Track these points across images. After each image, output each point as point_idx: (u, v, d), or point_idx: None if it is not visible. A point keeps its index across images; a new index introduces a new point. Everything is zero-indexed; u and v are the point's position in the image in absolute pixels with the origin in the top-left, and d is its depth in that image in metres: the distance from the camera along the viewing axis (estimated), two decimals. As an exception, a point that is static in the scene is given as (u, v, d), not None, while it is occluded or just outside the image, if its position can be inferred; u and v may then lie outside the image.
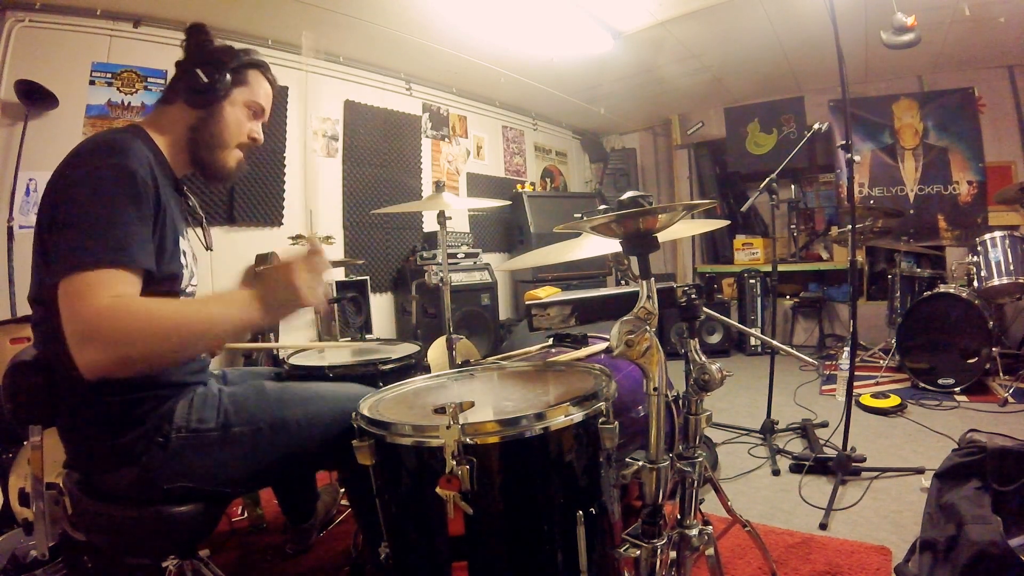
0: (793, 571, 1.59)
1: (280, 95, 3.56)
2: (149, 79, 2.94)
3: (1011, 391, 3.01)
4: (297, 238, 2.28)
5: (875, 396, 3.02)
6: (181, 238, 1.13)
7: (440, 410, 1.05)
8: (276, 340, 3.20)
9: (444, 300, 2.17)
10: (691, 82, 4.85)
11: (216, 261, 3.23)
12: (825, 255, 5.25)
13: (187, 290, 1.17)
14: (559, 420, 0.96)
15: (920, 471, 2.13)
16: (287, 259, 0.97)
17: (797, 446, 2.54)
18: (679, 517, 1.08)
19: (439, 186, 2.14)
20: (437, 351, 2.30)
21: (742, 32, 3.84)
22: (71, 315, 0.86)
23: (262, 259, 3.35)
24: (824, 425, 2.75)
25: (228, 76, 1.14)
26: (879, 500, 1.98)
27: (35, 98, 2.56)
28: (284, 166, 3.59)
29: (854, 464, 2.14)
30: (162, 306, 0.92)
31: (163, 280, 1.05)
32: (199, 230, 1.33)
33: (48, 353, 1.04)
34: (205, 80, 1.12)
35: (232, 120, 1.17)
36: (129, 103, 2.89)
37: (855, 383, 2.21)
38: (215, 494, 1.11)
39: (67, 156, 1.00)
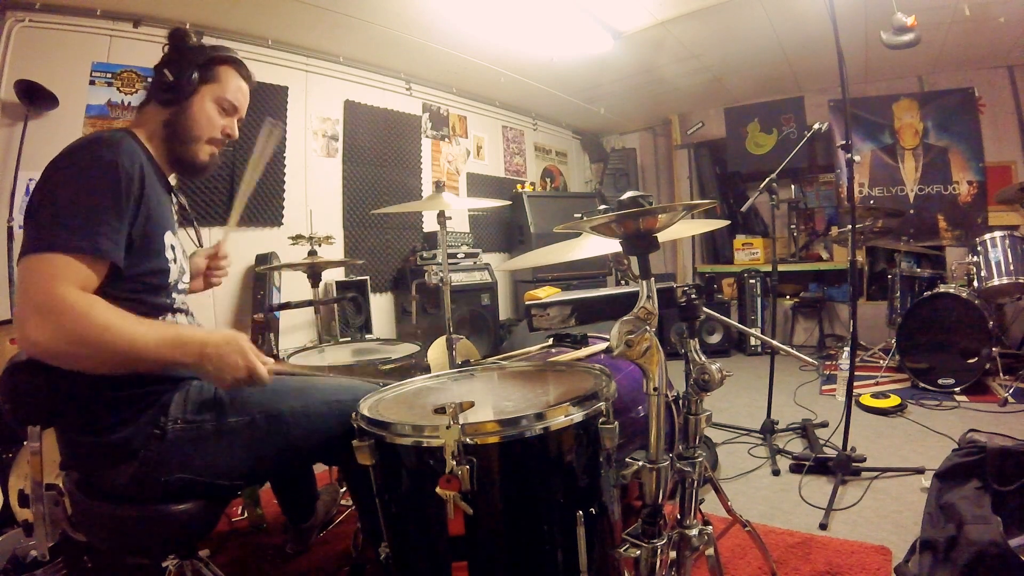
0: (793, 571, 1.59)
1: (280, 95, 3.57)
2: (149, 79, 2.93)
3: (1011, 391, 3.01)
4: (297, 239, 2.28)
5: (875, 396, 3.02)
6: (170, 234, 1.15)
7: (440, 410, 1.05)
8: (276, 340, 3.20)
9: (444, 300, 2.17)
10: (691, 82, 4.85)
11: (187, 276, 3.22)
12: (825, 255, 5.25)
13: (178, 287, 1.19)
14: (559, 420, 0.96)
15: (920, 471, 2.13)
16: (249, 353, 1.01)
17: (797, 446, 2.54)
18: (679, 517, 1.08)
19: (439, 186, 2.14)
20: (437, 351, 2.30)
21: (742, 32, 3.84)
22: (32, 290, 0.90)
23: (262, 259, 3.36)
24: (824, 425, 2.75)
25: (195, 74, 1.17)
26: (879, 500, 1.98)
27: (35, 98, 2.55)
28: (284, 166, 3.59)
29: (854, 464, 2.14)
30: (122, 322, 0.93)
31: (150, 274, 1.08)
32: (190, 229, 1.36)
33: None
34: (171, 78, 1.16)
35: (201, 115, 1.19)
36: (129, 103, 2.89)
37: (855, 383, 2.21)
38: (213, 488, 1.11)
39: (62, 151, 1.03)
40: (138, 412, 1.06)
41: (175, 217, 1.24)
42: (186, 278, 1.23)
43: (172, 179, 1.26)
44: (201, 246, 1.37)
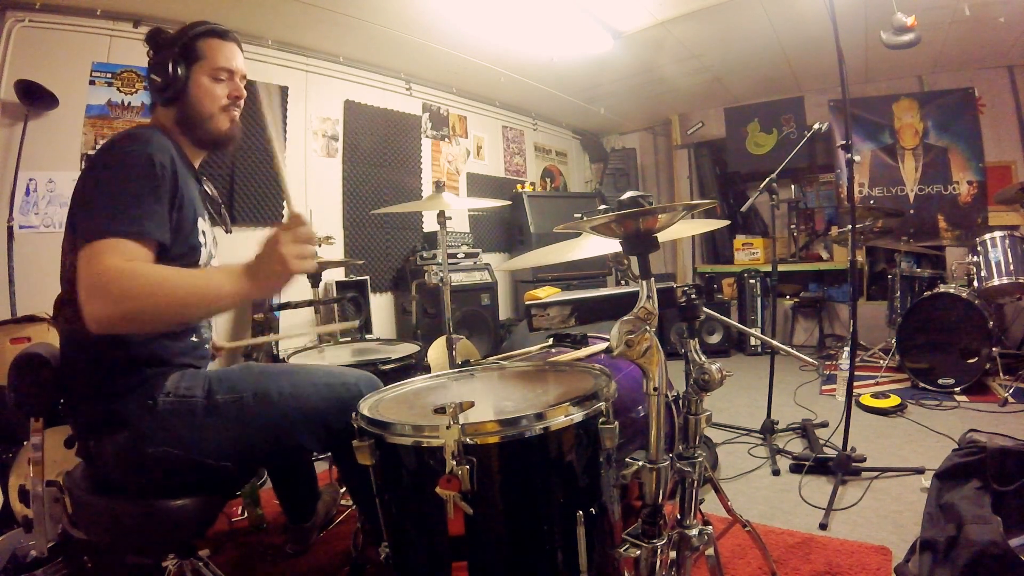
0: (793, 571, 1.59)
1: (280, 95, 3.56)
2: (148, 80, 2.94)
3: (1011, 391, 3.01)
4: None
5: (875, 396, 3.02)
6: (200, 219, 1.23)
7: (440, 410, 1.05)
8: (276, 341, 3.20)
9: (444, 300, 2.17)
10: (691, 82, 4.85)
11: (216, 261, 3.23)
12: (825, 255, 5.25)
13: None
14: (559, 420, 0.96)
15: (920, 471, 2.13)
16: (272, 232, 1.01)
17: (797, 446, 2.54)
18: (679, 517, 1.08)
19: (439, 186, 2.14)
20: (437, 351, 2.30)
21: (742, 32, 3.84)
22: (85, 273, 0.95)
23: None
24: (824, 425, 2.75)
25: (179, 66, 1.21)
26: (879, 500, 1.98)
27: (35, 98, 2.56)
28: (284, 166, 3.58)
29: (854, 464, 2.14)
30: (167, 272, 1.00)
31: (183, 253, 1.15)
32: (218, 216, 1.45)
33: (73, 327, 1.10)
34: (160, 81, 1.22)
35: (203, 95, 1.24)
36: (129, 103, 2.89)
37: (855, 383, 2.21)
38: (201, 469, 1.13)
39: (99, 148, 1.13)
40: (136, 385, 1.11)
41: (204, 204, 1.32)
42: (215, 263, 1.30)
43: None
44: (230, 231, 1.44)
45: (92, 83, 2.81)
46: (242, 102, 1.31)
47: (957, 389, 3.13)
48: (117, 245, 0.97)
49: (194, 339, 1.25)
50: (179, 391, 1.13)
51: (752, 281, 4.89)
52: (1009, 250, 3.24)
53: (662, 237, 1.03)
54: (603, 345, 1.66)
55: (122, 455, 1.09)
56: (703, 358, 1.11)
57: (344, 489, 2.13)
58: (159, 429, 1.09)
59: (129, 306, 0.93)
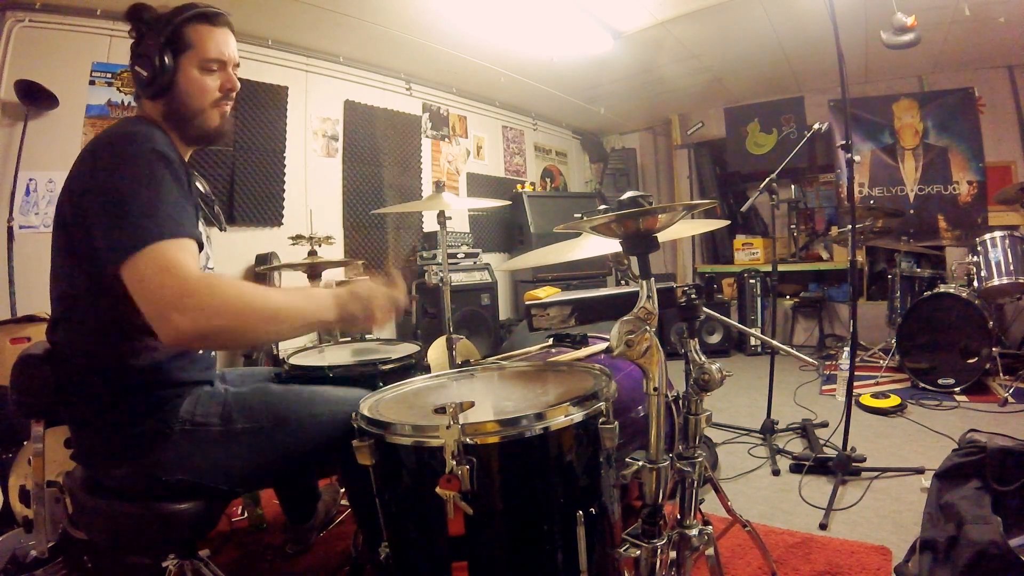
0: (793, 571, 1.59)
1: (280, 95, 3.57)
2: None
3: (1011, 391, 3.01)
4: (297, 239, 2.27)
5: (875, 396, 3.02)
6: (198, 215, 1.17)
7: (440, 410, 1.05)
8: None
9: (444, 300, 2.17)
10: (691, 82, 4.85)
11: (215, 261, 3.23)
12: (825, 255, 5.25)
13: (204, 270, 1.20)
14: (559, 420, 0.96)
15: (920, 471, 2.13)
16: (376, 285, 1.04)
17: (797, 446, 2.54)
18: (679, 517, 1.08)
19: (439, 186, 2.15)
20: (437, 351, 2.30)
21: (742, 32, 3.84)
22: (154, 287, 0.88)
23: (262, 259, 3.36)
24: (824, 425, 2.75)
25: (165, 57, 1.11)
26: (879, 500, 1.98)
27: (35, 98, 2.56)
28: (284, 166, 3.59)
29: (854, 464, 2.14)
30: (251, 288, 0.94)
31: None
32: (211, 214, 1.38)
33: (70, 348, 1.06)
34: (144, 75, 1.12)
35: (192, 88, 1.14)
36: (129, 103, 2.89)
37: (855, 383, 2.21)
38: (213, 491, 1.11)
39: (88, 152, 1.02)
40: (148, 411, 1.06)
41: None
42: (211, 264, 1.26)
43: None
44: (224, 228, 1.38)
45: (92, 83, 2.82)
46: (235, 94, 1.21)
47: (957, 389, 3.13)
48: (173, 249, 0.90)
49: (200, 351, 1.21)
50: (195, 418, 1.09)
51: (752, 281, 4.89)
52: (1009, 250, 3.24)
53: (662, 237, 1.03)
54: (603, 345, 1.66)
55: (132, 481, 1.06)
56: (703, 358, 1.11)
57: (344, 490, 2.13)
58: (174, 458, 1.05)
59: (213, 322, 0.88)
